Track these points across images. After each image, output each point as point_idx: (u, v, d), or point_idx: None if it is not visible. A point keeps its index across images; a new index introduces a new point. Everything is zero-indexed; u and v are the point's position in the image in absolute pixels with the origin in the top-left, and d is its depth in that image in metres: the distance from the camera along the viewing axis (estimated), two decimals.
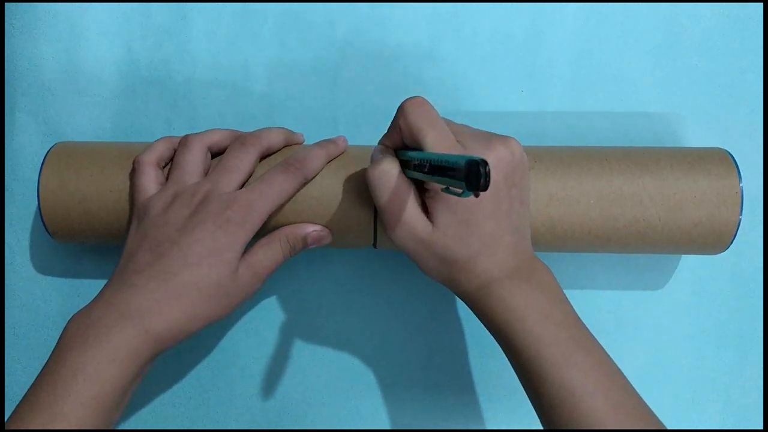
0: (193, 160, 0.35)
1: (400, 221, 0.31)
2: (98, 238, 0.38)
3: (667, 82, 0.42)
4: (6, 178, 0.45)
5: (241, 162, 0.34)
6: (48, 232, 0.38)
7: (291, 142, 0.38)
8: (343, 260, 0.44)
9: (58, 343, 0.31)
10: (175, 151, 0.36)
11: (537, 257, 0.34)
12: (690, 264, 0.43)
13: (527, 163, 0.33)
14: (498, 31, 0.43)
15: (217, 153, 0.36)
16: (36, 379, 0.30)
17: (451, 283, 0.33)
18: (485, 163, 0.23)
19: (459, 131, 0.32)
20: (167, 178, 0.35)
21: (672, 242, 0.36)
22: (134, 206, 0.35)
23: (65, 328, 0.31)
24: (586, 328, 0.32)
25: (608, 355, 0.32)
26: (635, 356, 0.43)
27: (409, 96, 0.32)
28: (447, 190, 0.27)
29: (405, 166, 0.31)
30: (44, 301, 0.45)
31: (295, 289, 0.44)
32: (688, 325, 0.43)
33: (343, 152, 0.37)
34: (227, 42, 0.44)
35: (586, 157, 0.36)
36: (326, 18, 0.43)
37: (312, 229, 0.36)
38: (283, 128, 0.37)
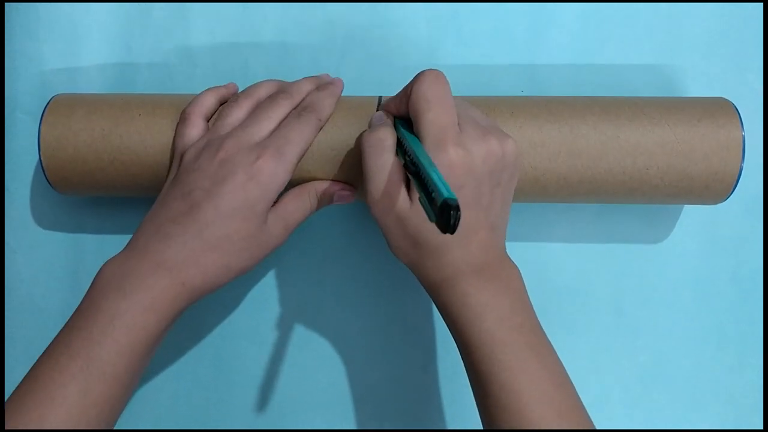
0: (237, 114, 0.35)
1: (380, 192, 0.31)
2: (100, 188, 0.39)
3: (666, 83, 0.42)
4: (6, 178, 0.45)
5: (273, 113, 0.34)
6: (49, 183, 0.38)
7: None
8: (344, 260, 0.44)
9: (91, 289, 0.32)
10: (220, 103, 0.37)
11: (509, 258, 0.33)
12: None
13: (518, 167, 0.33)
14: (498, 31, 0.43)
15: None
16: (68, 324, 0.31)
17: (418, 269, 0.33)
18: (457, 209, 0.23)
19: (464, 116, 0.32)
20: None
21: (672, 190, 0.36)
22: (174, 154, 0.35)
23: (99, 275, 0.32)
24: (544, 335, 0.32)
25: (561, 364, 0.32)
26: (635, 355, 0.43)
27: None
28: (421, 201, 0.27)
29: (399, 144, 0.31)
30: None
31: (296, 290, 0.44)
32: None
33: (341, 90, 0.37)
34: (227, 42, 0.44)
35: (588, 105, 0.36)
36: (326, 18, 0.43)
37: (339, 187, 0.36)
38: (313, 78, 0.38)
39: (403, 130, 0.31)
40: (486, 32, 0.43)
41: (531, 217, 0.43)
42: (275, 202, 0.34)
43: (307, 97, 0.36)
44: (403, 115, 0.33)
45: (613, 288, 0.43)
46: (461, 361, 0.43)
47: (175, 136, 0.36)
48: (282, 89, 0.36)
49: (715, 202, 0.37)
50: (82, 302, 0.32)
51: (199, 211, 0.32)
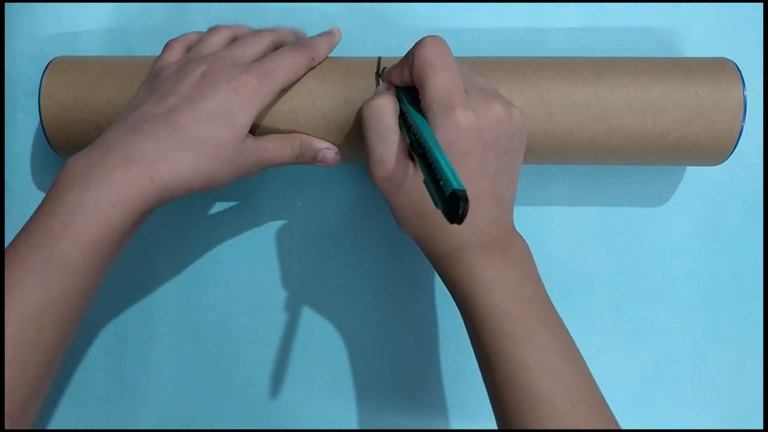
0: (217, 40, 0.35)
1: (383, 161, 0.31)
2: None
3: None
4: (6, 179, 0.45)
5: (257, 42, 0.35)
6: (52, 148, 0.38)
7: (297, 37, 0.39)
8: (344, 258, 0.44)
9: (54, 183, 0.30)
10: None
11: (516, 232, 0.33)
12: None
13: (524, 136, 0.32)
14: (498, 33, 0.43)
15: None
16: (32, 217, 0.30)
17: (424, 242, 0.33)
18: (466, 201, 0.23)
19: (469, 81, 0.31)
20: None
21: (672, 150, 0.36)
22: (150, 73, 0.35)
23: (63, 169, 0.30)
24: (554, 309, 0.32)
25: (570, 338, 0.31)
26: (635, 354, 0.43)
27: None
28: (426, 184, 0.27)
29: (403, 118, 0.31)
30: None
31: (295, 289, 0.44)
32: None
33: (339, 39, 0.38)
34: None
35: (589, 65, 0.36)
36: (326, 18, 0.43)
37: (325, 146, 0.36)
38: (294, 29, 0.38)
39: (408, 107, 0.31)
40: (486, 34, 0.42)
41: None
42: (258, 137, 0.34)
43: (307, 37, 0.37)
44: (406, 83, 0.33)
45: (613, 288, 0.43)
46: (463, 352, 0.43)
47: (155, 61, 0.36)
48: (263, 28, 0.37)
49: (724, 149, 0.36)
50: (46, 196, 0.30)
51: (177, 114, 0.31)
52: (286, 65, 0.34)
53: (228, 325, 0.45)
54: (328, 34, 0.37)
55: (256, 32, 0.36)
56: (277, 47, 0.36)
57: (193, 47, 0.36)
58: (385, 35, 0.43)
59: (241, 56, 0.34)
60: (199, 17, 0.44)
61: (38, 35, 0.44)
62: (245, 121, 0.32)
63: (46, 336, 0.29)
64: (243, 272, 0.44)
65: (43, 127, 0.38)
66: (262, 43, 0.35)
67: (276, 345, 0.44)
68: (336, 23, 0.43)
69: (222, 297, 0.45)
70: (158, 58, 0.36)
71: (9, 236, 0.44)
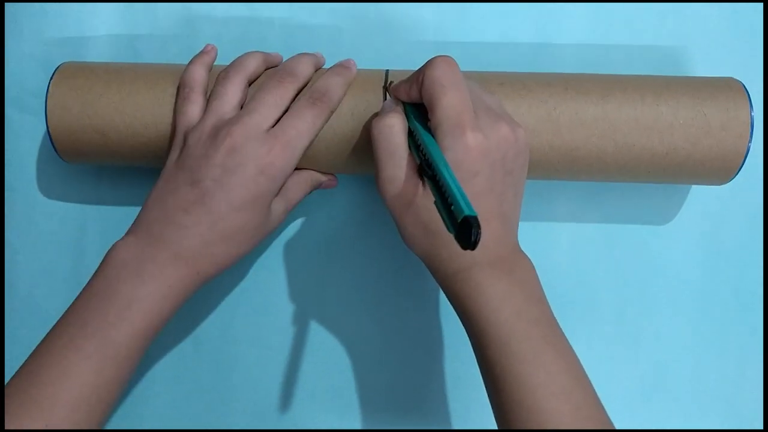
0: (233, 91, 0.35)
1: (392, 179, 0.31)
2: (109, 157, 0.39)
3: None
4: (11, 180, 0.45)
5: (280, 99, 0.34)
6: (57, 153, 0.38)
7: (318, 67, 0.38)
8: (346, 265, 0.44)
9: (105, 269, 0.33)
10: (209, 71, 0.37)
11: (522, 252, 0.33)
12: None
13: (528, 156, 0.33)
14: (505, 38, 0.43)
15: (253, 81, 0.37)
16: (81, 302, 0.32)
17: (432, 260, 0.33)
18: (478, 227, 0.23)
19: (477, 100, 0.32)
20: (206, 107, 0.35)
21: (679, 169, 0.36)
22: (176, 132, 0.35)
23: (112, 256, 0.33)
24: (560, 330, 0.32)
25: (577, 359, 0.31)
26: (636, 363, 0.43)
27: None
28: (437, 205, 0.27)
29: (411, 135, 0.31)
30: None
31: (298, 295, 0.44)
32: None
33: (354, 76, 0.37)
34: (234, 47, 0.43)
35: (597, 83, 0.36)
36: (333, 23, 0.43)
37: (327, 178, 0.39)
38: (309, 55, 0.37)
39: (417, 126, 0.31)
40: (493, 39, 0.43)
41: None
42: None
43: (322, 81, 0.35)
44: (413, 100, 0.33)
45: (616, 304, 0.43)
46: (465, 362, 0.43)
47: (176, 113, 0.36)
48: (285, 69, 0.36)
49: (730, 170, 0.36)
50: (94, 281, 0.33)
51: (212, 202, 0.32)
52: (307, 130, 0.34)
53: (229, 330, 0.45)
54: (345, 69, 0.36)
55: (277, 85, 0.35)
56: (299, 90, 0.36)
57: (210, 100, 0.35)
58: (391, 48, 0.43)
59: (263, 122, 0.33)
60: (206, 25, 0.44)
61: (46, 38, 0.44)
62: (272, 197, 0.34)
63: (95, 415, 0.31)
64: (245, 277, 0.44)
65: (49, 133, 0.37)
66: (285, 99, 0.34)
67: (277, 350, 0.44)
68: (342, 35, 0.43)
69: (223, 302, 0.45)
70: (179, 111, 0.35)
71: (10, 237, 0.45)
